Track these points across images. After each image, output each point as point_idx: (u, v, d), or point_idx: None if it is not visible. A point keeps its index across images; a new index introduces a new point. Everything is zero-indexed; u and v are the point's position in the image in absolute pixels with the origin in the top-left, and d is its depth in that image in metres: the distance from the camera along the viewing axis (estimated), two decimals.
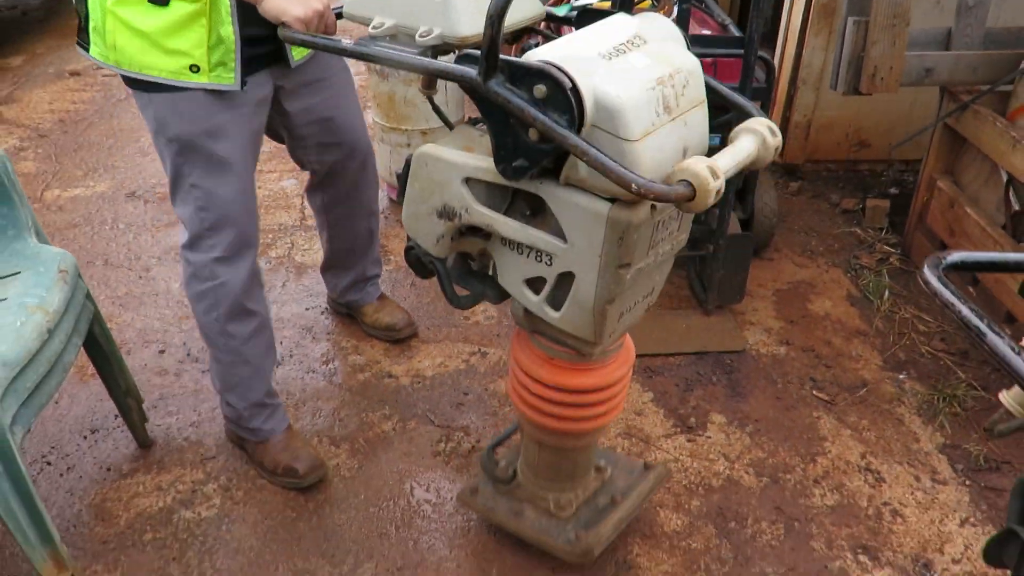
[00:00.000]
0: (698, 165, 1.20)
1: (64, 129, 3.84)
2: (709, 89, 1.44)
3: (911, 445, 2.29)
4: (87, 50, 1.84)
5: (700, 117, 1.39)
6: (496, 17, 1.25)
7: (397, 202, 3.32)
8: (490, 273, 1.60)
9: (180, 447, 2.22)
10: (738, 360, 2.59)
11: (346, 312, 2.69)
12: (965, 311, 0.99)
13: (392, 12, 1.54)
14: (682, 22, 2.39)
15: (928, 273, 1.09)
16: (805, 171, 3.64)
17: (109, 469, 2.16)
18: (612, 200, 1.34)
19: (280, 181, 3.47)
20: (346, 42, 1.54)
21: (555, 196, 1.39)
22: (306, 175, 2.37)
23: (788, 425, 2.35)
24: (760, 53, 2.49)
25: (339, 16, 1.74)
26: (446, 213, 1.51)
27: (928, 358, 2.60)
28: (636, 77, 1.30)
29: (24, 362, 1.57)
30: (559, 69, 1.26)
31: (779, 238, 3.17)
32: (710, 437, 2.31)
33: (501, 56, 1.29)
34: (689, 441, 2.29)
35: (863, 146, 3.63)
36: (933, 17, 3.12)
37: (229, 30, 1.74)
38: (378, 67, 3.01)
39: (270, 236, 3.10)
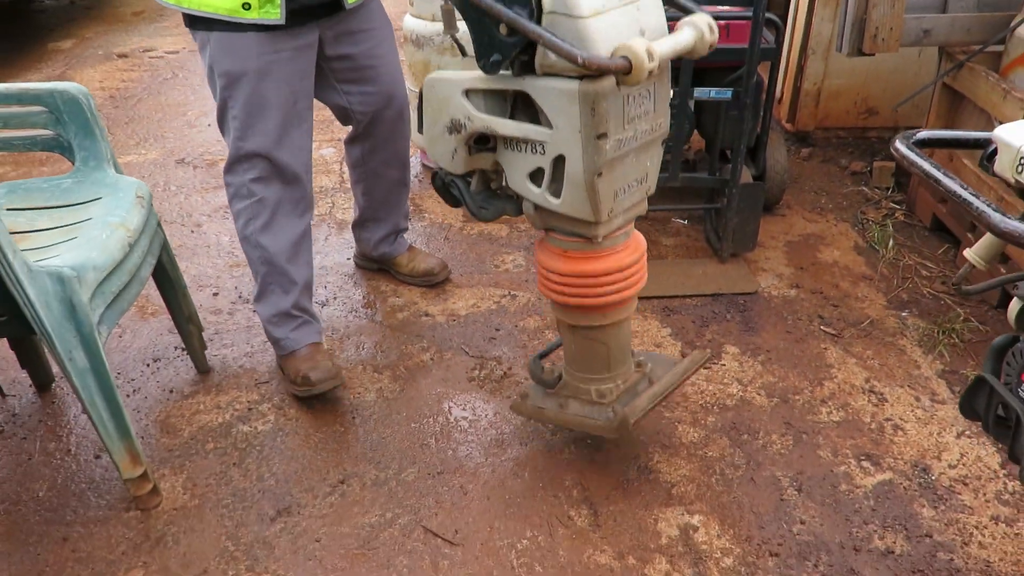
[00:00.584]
0: (636, 43, 1.43)
1: (115, 104, 4.07)
2: None
3: (912, 371, 2.45)
4: None
5: (654, 4, 1.62)
6: None
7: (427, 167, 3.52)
8: (505, 185, 1.79)
9: (236, 373, 2.42)
10: (751, 301, 2.76)
11: (376, 268, 2.87)
12: (926, 165, 1.17)
13: None
14: None
15: (899, 144, 1.27)
16: (816, 138, 3.80)
17: (171, 391, 2.36)
18: (580, 78, 1.53)
19: (320, 150, 3.68)
20: None
21: (535, 87, 1.60)
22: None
23: (797, 355, 2.52)
24: (768, 15, 2.67)
25: None
26: (454, 127, 1.72)
27: (929, 298, 2.76)
28: None
29: (110, 268, 1.77)
30: None
31: (790, 197, 3.33)
32: (724, 365, 2.48)
33: None
34: (704, 368, 2.47)
35: (871, 113, 3.79)
36: None
37: None
38: (413, 36, 3.21)
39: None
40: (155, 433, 2.21)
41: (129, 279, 1.86)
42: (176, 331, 2.40)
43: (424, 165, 3.53)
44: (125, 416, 1.85)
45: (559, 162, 1.65)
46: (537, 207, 1.76)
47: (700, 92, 2.75)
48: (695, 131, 3.03)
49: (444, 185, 1.83)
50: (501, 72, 1.64)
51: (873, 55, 2.94)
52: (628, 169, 1.72)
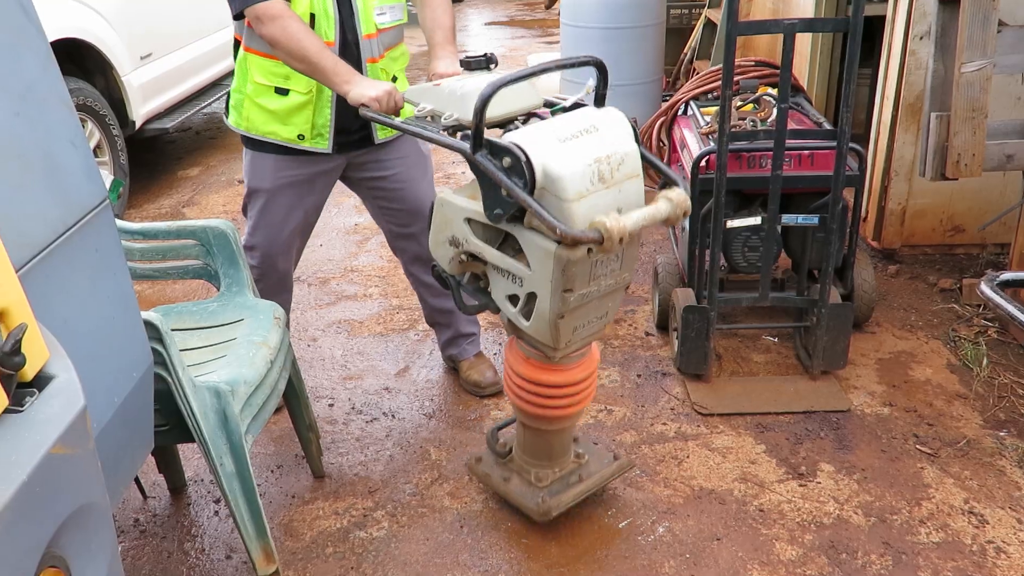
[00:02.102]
0: (608, 219, 1.72)
1: (236, 226, 4.42)
2: (650, 163, 2.01)
3: (1013, 492, 2.46)
4: (227, 118, 2.64)
5: (634, 186, 1.90)
6: (478, 111, 1.84)
7: None
8: (488, 290, 2.11)
9: (351, 480, 2.59)
10: (844, 419, 2.81)
11: (452, 365, 3.10)
12: (1011, 308, 1.28)
13: (431, 100, 2.13)
14: (780, 122, 2.75)
15: (984, 286, 1.39)
16: (902, 255, 3.88)
17: (293, 496, 2.54)
18: (558, 242, 1.83)
19: None
20: (397, 121, 2.17)
21: (523, 235, 1.92)
22: None
23: (893, 474, 2.55)
24: (852, 144, 2.83)
25: None
26: (454, 242, 2.08)
27: None
28: (578, 155, 1.81)
29: (256, 383, 1.99)
30: (519, 147, 1.80)
31: (879, 314, 3.40)
32: (820, 483, 2.53)
33: (485, 136, 1.86)
34: (800, 486, 2.52)
35: (957, 231, 3.86)
36: (1015, 110, 3.41)
37: (327, 114, 2.48)
38: None
39: (416, 313, 3.52)
40: (280, 536, 2.38)
41: (270, 392, 2.07)
42: (295, 439, 2.59)
43: None
44: (263, 517, 2.02)
45: (531, 296, 1.96)
46: (510, 320, 2.07)
47: (788, 218, 2.90)
48: (782, 251, 3.16)
49: (440, 276, 2.21)
50: None
51: (956, 180, 3.05)
52: (589, 311, 2.03)
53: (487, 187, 1.89)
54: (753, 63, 3.75)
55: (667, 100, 4.13)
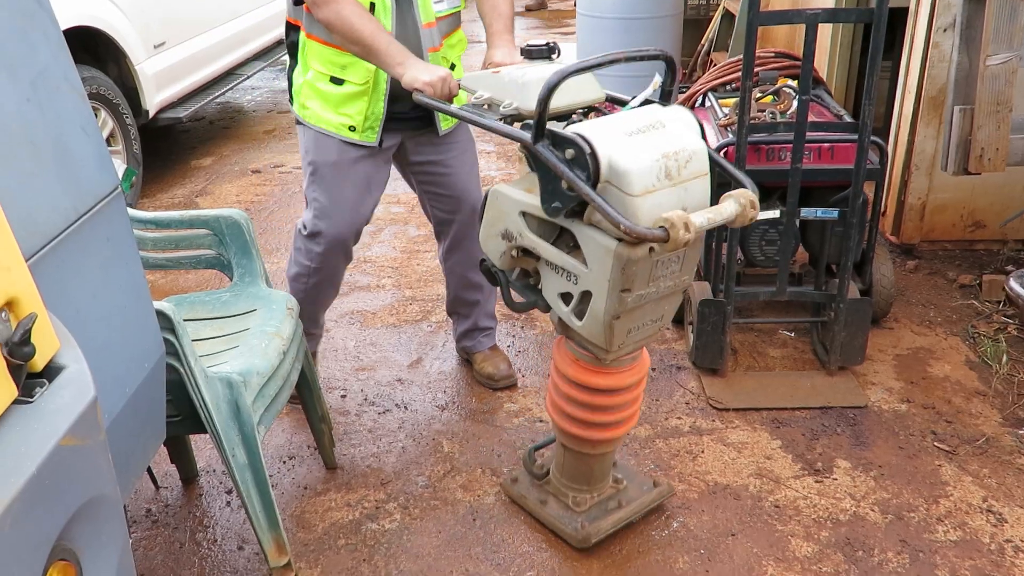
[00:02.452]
0: (675, 216, 1.65)
1: (250, 216, 4.40)
2: (716, 164, 1.93)
3: None
4: (292, 105, 2.60)
5: (700, 185, 1.82)
6: (542, 101, 1.77)
7: None
8: (539, 287, 2.05)
9: (363, 472, 2.58)
10: (860, 415, 2.78)
11: (465, 357, 3.09)
12: None
13: (490, 88, 2.06)
14: (801, 115, 2.71)
15: (1013, 282, 1.36)
16: (921, 251, 3.83)
17: (305, 488, 2.53)
18: (620, 240, 1.76)
19: (435, 260, 3.90)
20: (454, 107, 2.11)
21: (580, 231, 1.85)
22: None
23: (911, 471, 2.52)
24: (873, 138, 2.79)
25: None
26: (507, 235, 2.01)
27: None
28: (645, 151, 1.74)
29: (269, 374, 1.97)
30: (584, 139, 1.74)
31: (897, 309, 3.36)
32: (836, 479, 2.50)
33: (547, 127, 1.79)
34: (817, 482, 2.49)
35: (978, 227, 3.81)
36: None
37: (380, 107, 2.44)
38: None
39: (429, 305, 3.51)
40: (292, 528, 2.37)
41: (283, 383, 2.06)
42: (307, 430, 2.58)
43: None
44: (275, 509, 2.01)
45: (586, 295, 1.89)
46: (561, 318, 2.01)
47: (807, 212, 2.86)
48: (800, 245, 3.12)
49: (489, 270, 2.14)
50: None
51: (979, 175, 3.00)
52: (646, 312, 1.96)
53: (546, 179, 1.83)
54: (773, 54, 3.70)
55: (684, 92, 4.09)
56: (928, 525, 2.31)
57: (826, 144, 2.92)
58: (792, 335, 3.23)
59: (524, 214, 1.95)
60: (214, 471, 2.60)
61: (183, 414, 1.91)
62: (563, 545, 2.28)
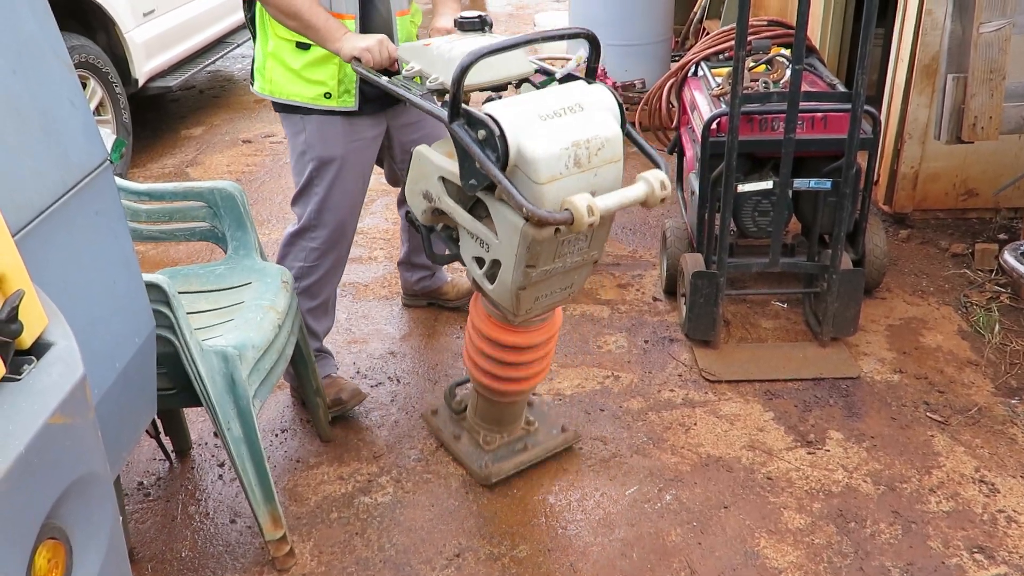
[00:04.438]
0: (580, 200, 1.69)
1: (243, 189, 4.40)
2: (638, 146, 2.00)
3: None
4: (253, 85, 2.50)
5: (612, 170, 1.84)
6: (456, 81, 1.79)
7: None
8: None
9: (356, 446, 2.58)
10: (853, 386, 2.79)
11: (425, 303, 3.24)
12: None
13: (420, 60, 2.11)
14: (795, 84, 2.69)
15: (1008, 255, 1.35)
16: (914, 219, 3.83)
17: (298, 461, 2.53)
18: (527, 219, 1.80)
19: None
20: (383, 80, 2.11)
21: (493, 205, 1.89)
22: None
23: (903, 442, 2.53)
24: (866, 107, 2.77)
25: None
26: (427, 196, 2.07)
27: None
28: (556, 138, 1.75)
29: (264, 347, 1.97)
30: (494, 120, 1.75)
31: (890, 279, 3.36)
32: (829, 451, 2.51)
33: (462, 106, 1.82)
34: (809, 454, 2.50)
35: (971, 195, 3.80)
36: None
37: (352, 71, 2.32)
38: None
39: None
40: (284, 501, 2.37)
41: (278, 357, 2.05)
42: (302, 404, 2.59)
43: None
44: (271, 482, 2.02)
45: (496, 263, 1.96)
46: (475, 279, 2.09)
47: (800, 183, 2.85)
48: (792, 216, 3.11)
49: (412, 222, 2.22)
50: None
51: (972, 143, 2.98)
52: (553, 283, 2.03)
53: (463, 157, 1.85)
54: (766, 23, 3.66)
55: (677, 60, 4.05)
56: (920, 496, 2.33)
57: (819, 114, 2.90)
58: (784, 306, 3.23)
59: (443, 180, 2.00)
60: (206, 444, 2.59)
61: (178, 387, 1.90)
62: (556, 519, 2.29)
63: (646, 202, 1.82)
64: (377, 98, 2.43)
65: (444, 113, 1.84)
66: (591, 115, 1.83)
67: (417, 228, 2.20)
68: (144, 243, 3.59)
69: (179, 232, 2.35)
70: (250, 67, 2.54)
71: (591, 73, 2.04)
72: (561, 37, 2.01)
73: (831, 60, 4.62)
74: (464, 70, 1.79)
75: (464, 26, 2.16)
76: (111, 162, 2.22)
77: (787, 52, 3.15)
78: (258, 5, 2.38)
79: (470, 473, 2.41)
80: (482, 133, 1.77)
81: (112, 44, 4.48)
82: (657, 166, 1.89)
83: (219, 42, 5.42)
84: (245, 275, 2.22)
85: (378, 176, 4.30)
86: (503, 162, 1.75)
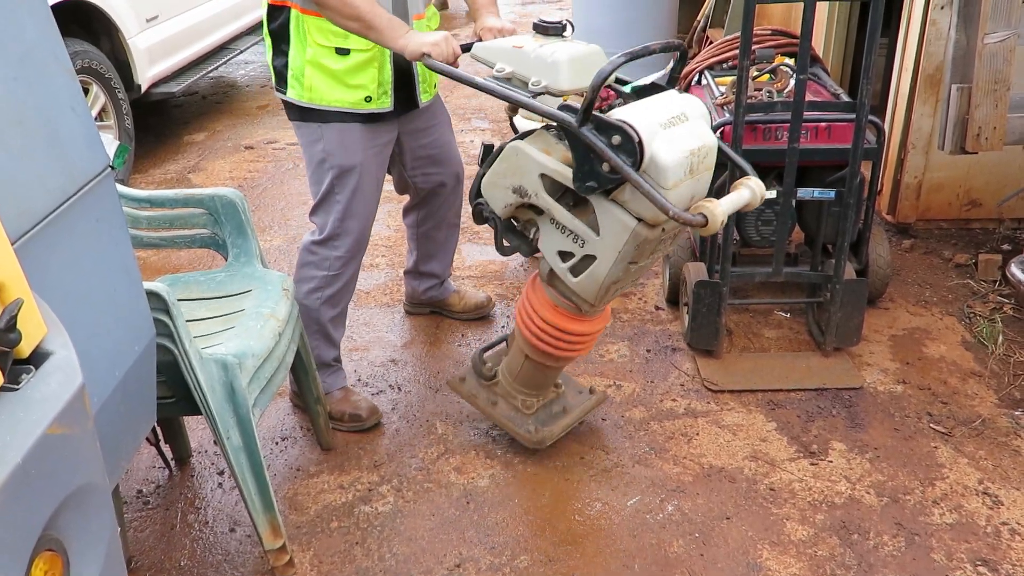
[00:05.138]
0: (712, 204, 1.85)
1: (243, 193, 4.38)
2: (726, 155, 2.12)
3: None
4: (285, 93, 2.45)
5: (707, 177, 2.00)
6: (595, 88, 1.85)
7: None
8: (528, 235, 2.17)
9: (356, 454, 2.56)
10: (856, 396, 2.77)
11: (428, 311, 3.24)
12: None
13: (512, 62, 2.09)
14: (799, 94, 2.68)
15: (1015, 268, 1.34)
16: (917, 229, 3.82)
17: (298, 470, 2.51)
18: (639, 220, 1.92)
19: None
20: (479, 79, 2.08)
21: (601, 204, 1.96)
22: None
23: (907, 453, 2.52)
24: (870, 117, 2.76)
25: (465, 49, 2.27)
26: (520, 191, 2.07)
27: None
28: (679, 147, 1.87)
29: (265, 356, 1.96)
30: (632, 127, 1.83)
31: (893, 289, 3.35)
32: (831, 462, 2.50)
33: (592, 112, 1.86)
34: (812, 464, 2.49)
35: (974, 205, 3.79)
36: None
37: (388, 70, 2.41)
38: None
39: None
40: (284, 510, 2.36)
41: (278, 365, 2.04)
42: (300, 411, 2.58)
43: None
44: (270, 491, 2.00)
45: (589, 258, 2.03)
46: (551, 269, 2.15)
47: (804, 192, 2.84)
48: (796, 226, 3.10)
49: (480, 211, 2.20)
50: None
51: (976, 153, 2.98)
52: (633, 276, 2.16)
53: (583, 159, 1.90)
54: (770, 32, 3.66)
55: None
56: (924, 508, 2.32)
57: (823, 123, 2.89)
58: (787, 316, 3.22)
59: (543, 176, 2.02)
60: (206, 452, 2.58)
61: (177, 395, 1.89)
62: (557, 527, 2.28)
63: (749, 204, 1.97)
64: (402, 101, 2.49)
65: (570, 118, 1.87)
66: (696, 124, 1.95)
67: (485, 219, 2.21)
68: (144, 249, 3.59)
69: (180, 239, 2.34)
70: (277, 73, 2.45)
71: (673, 81, 2.14)
72: (664, 49, 2.03)
73: (835, 69, 4.62)
74: (606, 77, 1.85)
75: (548, 30, 2.13)
76: (114, 168, 2.21)
77: (791, 61, 3.15)
78: (292, 12, 2.33)
79: (516, 437, 2.46)
80: (617, 139, 1.83)
81: (115, 50, 4.49)
82: (747, 174, 2.03)
83: (222, 48, 5.42)
84: (246, 282, 2.21)
85: None
86: (637, 167, 1.83)
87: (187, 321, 2.05)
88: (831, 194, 2.84)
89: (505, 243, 2.22)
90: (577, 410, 2.53)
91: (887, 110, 3.82)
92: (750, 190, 1.96)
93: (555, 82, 1.99)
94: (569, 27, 2.16)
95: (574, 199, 2.03)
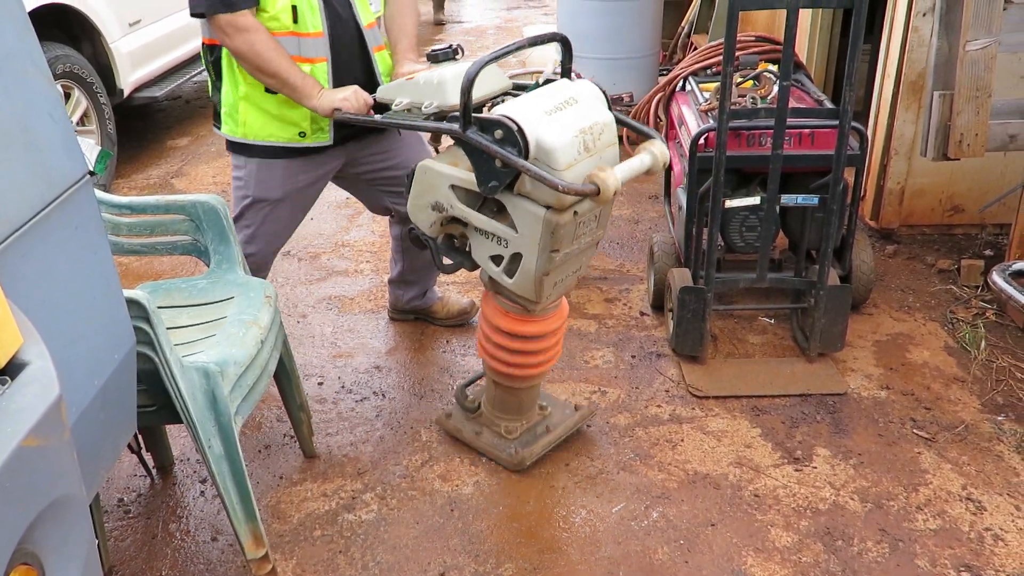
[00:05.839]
0: (604, 173, 1.86)
1: (226, 198, 4.34)
2: (623, 123, 2.16)
3: (1011, 479, 2.44)
4: (219, 128, 2.55)
5: (612, 152, 2.04)
6: (465, 91, 1.95)
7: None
8: (467, 250, 2.22)
9: (340, 462, 2.55)
10: (840, 402, 2.78)
11: (413, 318, 3.23)
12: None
13: (407, 93, 2.24)
14: (782, 99, 2.69)
15: (996, 276, 1.35)
16: (900, 235, 3.84)
17: (281, 478, 2.49)
18: (547, 207, 1.96)
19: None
20: (378, 117, 2.25)
21: (511, 201, 2.02)
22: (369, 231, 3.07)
23: (890, 459, 2.53)
24: (853, 124, 2.77)
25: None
26: (437, 207, 2.16)
27: None
28: (566, 128, 1.92)
29: (247, 363, 1.94)
30: (510, 119, 1.90)
31: (877, 295, 3.36)
32: (816, 468, 2.50)
33: (472, 114, 1.96)
34: (796, 471, 2.49)
35: (957, 211, 3.82)
36: (1018, 90, 3.35)
37: None
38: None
39: None
40: (267, 518, 2.33)
41: (260, 373, 2.02)
42: (285, 418, 2.56)
43: None
44: (252, 500, 1.98)
45: (516, 256, 2.08)
46: (491, 277, 2.19)
47: (787, 199, 2.84)
48: (780, 231, 3.11)
49: (418, 238, 2.29)
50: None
51: (958, 160, 2.99)
52: (568, 266, 2.18)
53: (479, 163, 1.99)
54: (754, 38, 3.68)
55: (664, 75, 4.06)
56: (908, 514, 2.32)
57: (807, 130, 2.91)
58: (772, 322, 3.23)
59: (454, 187, 2.10)
60: (188, 459, 2.56)
61: (158, 404, 1.87)
62: (542, 535, 2.27)
63: (650, 170, 2.00)
64: (349, 135, 2.54)
65: (454, 127, 1.98)
66: (586, 105, 2.01)
67: (424, 244, 2.28)
68: (126, 255, 3.56)
69: (161, 246, 2.32)
70: (215, 108, 2.56)
71: (567, 73, 2.20)
72: (535, 43, 2.12)
73: (817, 75, 4.64)
74: (472, 79, 1.93)
75: (438, 57, 2.27)
76: (94, 173, 2.19)
77: (774, 68, 3.16)
78: (224, 51, 2.41)
79: (499, 462, 2.47)
80: (499, 133, 1.90)
81: (97, 54, 4.46)
82: (651, 137, 2.05)
83: None
84: (228, 289, 2.19)
85: None
86: (524, 154, 1.89)
87: (168, 329, 2.03)
88: (815, 200, 2.85)
89: (446, 260, 2.28)
90: (560, 427, 2.54)
91: (870, 116, 3.84)
92: (651, 155, 2.00)
93: (443, 99, 2.11)
94: (460, 51, 2.29)
95: (496, 206, 2.09)
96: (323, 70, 2.40)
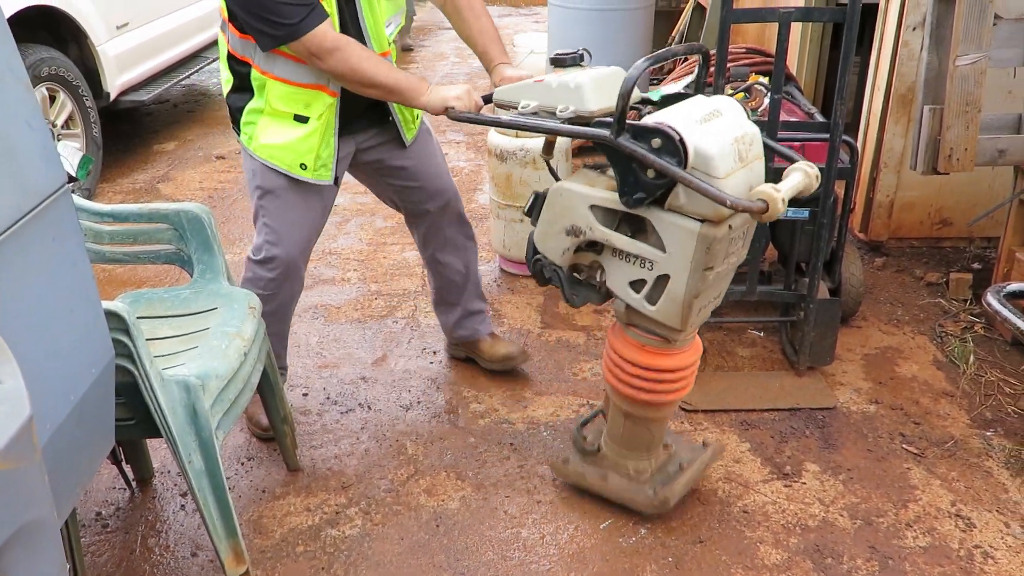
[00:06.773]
0: (769, 189, 1.79)
1: (212, 204, 4.32)
2: (766, 146, 2.07)
3: (1000, 495, 2.42)
4: (239, 135, 2.43)
5: (760, 165, 1.97)
6: (623, 96, 1.84)
7: (506, 271, 3.64)
8: (593, 282, 2.11)
9: (324, 475, 2.51)
10: (829, 416, 2.77)
11: (464, 356, 3.00)
12: (1019, 322, 1.22)
13: (536, 96, 2.09)
14: (773, 112, 2.68)
15: (991, 297, 1.33)
16: (889, 248, 3.83)
17: (264, 491, 2.45)
18: (702, 221, 1.86)
19: (403, 252, 3.85)
20: (506, 117, 2.07)
21: (659, 218, 1.91)
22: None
23: (880, 474, 2.51)
24: (844, 137, 2.76)
25: (486, 100, 2.28)
26: (574, 231, 2.04)
27: (1015, 417, 2.74)
28: (721, 136, 1.85)
29: (229, 377, 1.90)
30: (670, 127, 1.82)
31: (866, 308, 3.35)
32: (805, 483, 2.48)
33: (626, 121, 1.86)
34: (786, 486, 2.47)
35: (945, 224, 3.82)
36: (1007, 104, 3.35)
37: (332, 147, 2.36)
38: (497, 151, 3.38)
39: (395, 300, 3.44)
40: (248, 533, 2.29)
41: (243, 386, 1.99)
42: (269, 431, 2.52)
43: (503, 271, 3.65)
44: (233, 516, 1.95)
45: (662, 279, 1.95)
46: (628, 306, 2.05)
47: None
48: (770, 244, 3.09)
49: (541, 270, 2.16)
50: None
51: (948, 174, 2.99)
52: (713, 289, 2.05)
53: (626, 172, 1.88)
54: (744, 50, 3.67)
55: (655, 85, 4.04)
56: (897, 531, 2.30)
57: (797, 143, 2.89)
58: (761, 334, 3.21)
59: (593, 207, 1.99)
60: (169, 472, 2.52)
61: (137, 417, 1.83)
62: (529, 553, 2.24)
63: (807, 188, 1.91)
64: (355, 131, 2.45)
65: (604, 133, 1.86)
66: (732, 116, 1.94)
67: (546, 278, 2.16)
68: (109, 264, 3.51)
69: (144, 255, 2.29)
70: (233, 113, 2.42)
71: (701, 87, 2.15)
72: (680, 54, 2.08)
73: (807, 87, 4.64)
74: (633, 83, 1.83)
75: (564, 62, 2.13)
76: (76, 179, 2.14)
77: (765, 80, 3.15)
78: (254, 71, 2.27)
79: (636, 506, 2.27)
80: (656, 141, 1.81)
81: (84, 57, 4.41)
82: (794, 161, 1.98)
83: (194, 56, 5.36)
84: (211, 300, 2.16)
85: (352, 194, 4.27)
86: (683, 165, 1.80)
87: (149, 340, 1.99)
88: (805, 213, 2.84)
89: (574, 296, 2.15)
90: (696, 465, 2.35)
91: (859, 129, 3.84)
92: (803, 173, 1.91)
93: (582, 105, 1.99)
94: (587, 56, 2.16)
95: (632, 228, 1.99)
96: (330, 99, 2.31)
